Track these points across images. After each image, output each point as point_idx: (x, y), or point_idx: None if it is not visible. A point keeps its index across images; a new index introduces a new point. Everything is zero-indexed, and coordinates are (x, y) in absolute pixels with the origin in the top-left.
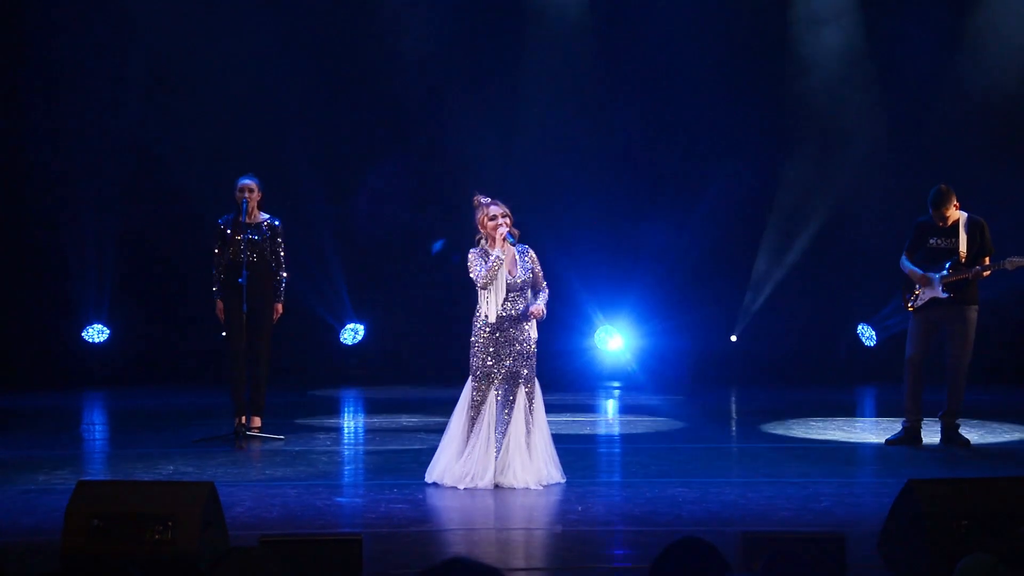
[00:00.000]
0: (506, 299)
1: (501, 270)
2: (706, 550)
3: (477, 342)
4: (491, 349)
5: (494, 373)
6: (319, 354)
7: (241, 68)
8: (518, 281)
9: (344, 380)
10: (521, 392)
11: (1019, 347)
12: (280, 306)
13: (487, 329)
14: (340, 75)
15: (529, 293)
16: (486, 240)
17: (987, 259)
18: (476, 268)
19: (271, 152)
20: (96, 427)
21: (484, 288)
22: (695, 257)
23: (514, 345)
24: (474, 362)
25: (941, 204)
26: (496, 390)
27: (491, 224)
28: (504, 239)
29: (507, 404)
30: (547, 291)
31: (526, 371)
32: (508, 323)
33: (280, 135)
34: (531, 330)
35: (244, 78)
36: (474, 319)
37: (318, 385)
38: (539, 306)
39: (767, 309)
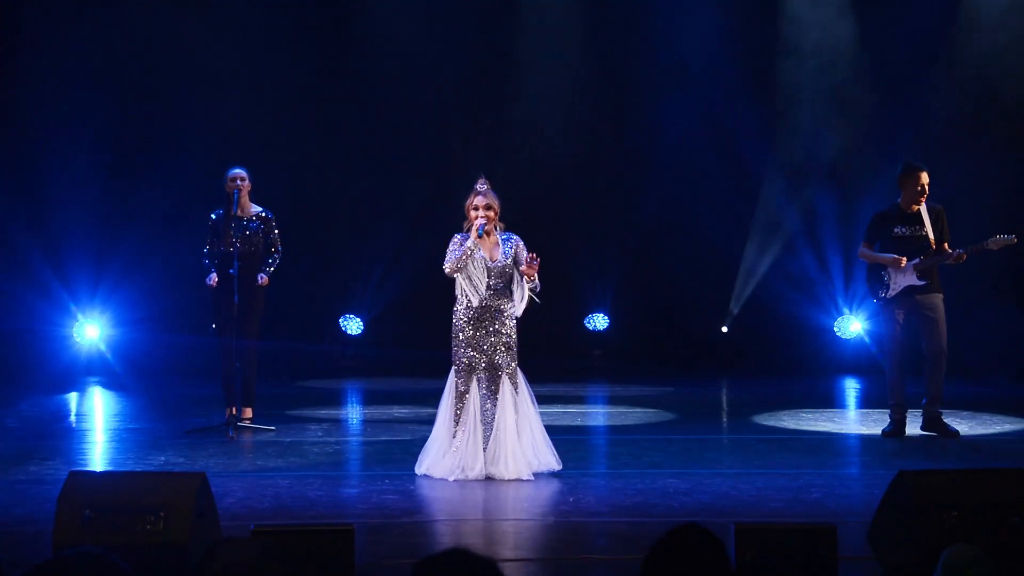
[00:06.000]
0: (488, 285)
1: (474, 260)
2: (708, 539)
3: (458, 333)
4: (472, 340)
5: (476, 363)
6: (312, 345)
7: (235, 59)
8: (498, 266)
9: (337, 371)
10: (505, 382)
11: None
12: (266, 279)
13: (467, 319)
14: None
15: (512, 283)
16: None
17: (946, 245)
18: (449, 254)
19: (268, 142)
20: (87, 417)
21: (450, 275)
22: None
23: (495, 336)
24: (456, 353)
25: (913, 175)
26: (479, 380)
27: (472, 214)
28: (476, 231)
29: (491, 394)
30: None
31: (508, 360)
32: (488, 313)
33: (276, 130)
34: (511, 320)
35: (237, 69)
36: (454, 309)
37: (309, 376)
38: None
39: (755, 299)
